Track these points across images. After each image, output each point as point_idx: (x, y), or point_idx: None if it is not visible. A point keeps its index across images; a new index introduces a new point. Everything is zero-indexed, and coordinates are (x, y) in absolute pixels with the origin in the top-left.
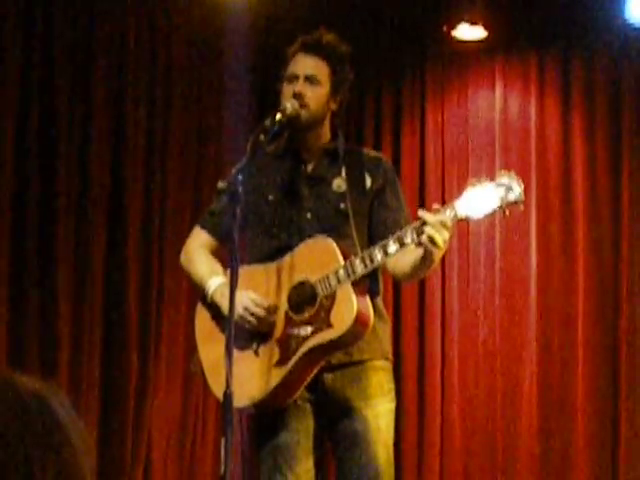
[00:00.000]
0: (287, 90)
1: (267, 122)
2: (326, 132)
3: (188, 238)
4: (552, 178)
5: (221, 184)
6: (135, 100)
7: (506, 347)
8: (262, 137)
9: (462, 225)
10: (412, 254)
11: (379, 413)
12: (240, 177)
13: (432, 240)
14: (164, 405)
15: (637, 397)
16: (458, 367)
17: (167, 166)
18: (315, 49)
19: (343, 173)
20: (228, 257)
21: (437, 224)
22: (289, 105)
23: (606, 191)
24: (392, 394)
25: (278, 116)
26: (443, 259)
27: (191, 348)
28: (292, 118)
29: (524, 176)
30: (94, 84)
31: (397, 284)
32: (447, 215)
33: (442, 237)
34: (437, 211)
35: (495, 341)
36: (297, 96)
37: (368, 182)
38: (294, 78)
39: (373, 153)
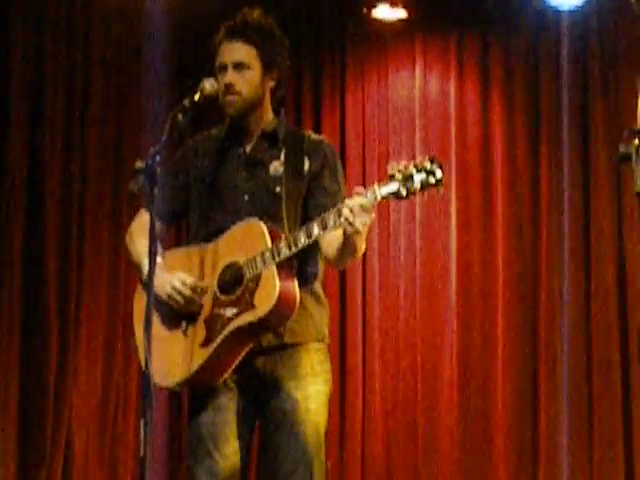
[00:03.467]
0: (220, 82)
1: (186, 102)
2: (267, 112)
3: (134, 218)
4: (471, 157)
5: (139, 164)
6: (53, 85)
7: (427, 328)
8: (180, 117)
9: (382, 208)
10: (339, 238)
11: (310, 394)
12: (158, 157)
13: (350, 223)
14: (85, 385)
15: (556, 375)
16: (379, 349)
17: (86, 149)
18: (239, 33)
19: (282, 156)
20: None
21: (356, 208)
22: (207, 85)
23: (525, 170)
24: (325, 376)
25: (196, 96)
26: None
27: (110, 328)
28: (212, 98)
29: (444, 155)
30: (11, 74)
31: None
32: (367, 199)
33: (361, 220)
34: (358, 195)
35: (416, 322)
36: (228, 87)
37: (306, 165)
38: (223, 69)
39: (315, 136)
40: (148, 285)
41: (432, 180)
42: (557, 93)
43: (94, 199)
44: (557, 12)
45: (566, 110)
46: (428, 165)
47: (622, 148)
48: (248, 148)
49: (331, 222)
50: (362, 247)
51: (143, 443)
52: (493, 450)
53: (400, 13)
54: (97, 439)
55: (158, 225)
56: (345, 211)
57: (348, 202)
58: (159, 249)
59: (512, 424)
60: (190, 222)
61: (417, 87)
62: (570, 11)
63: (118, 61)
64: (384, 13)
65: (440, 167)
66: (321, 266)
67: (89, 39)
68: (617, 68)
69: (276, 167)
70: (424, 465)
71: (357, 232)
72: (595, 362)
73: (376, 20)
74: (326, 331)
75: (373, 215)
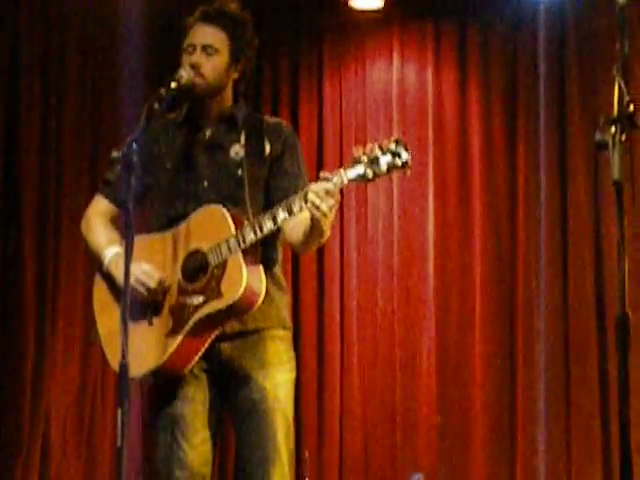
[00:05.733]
0: (185, 60)
1: (162, 90)
2: (227, 100)
3: (89, 206)
4: (449, 147)
5: (115, 154)
6: (29, 77)
7: (404, 316)
8: (157, 105)
9: (359, 197)
10: (304, 223)
11: (278, 383)
12: (135, 146)
13: (317, 207)
14: (62, 377)
15: (534, 364)
16: (357, 337)
17: (62, 140)
18: (214, 18)
19: (242, 140)
20: (124, 226)
21: (321, 192)
22: (184, 74)
23: (503, 160)
24: (292, 363)
25: (173, 84)
26: (341, 230)
27: (89, 319)
28: (188, 87)
29: (421, 145)
30: None
31: (296, 254)
32: (333, 182)
33: (327, 204)
34: (324, 179)
35: (393, 310)
36: (193, 66)
37: (267, 148)
38: (191, 48)
39: (273, 119)
40: (111, 276)
41: (398, 162)
42: (534, 83)
43: (70, 191)
44: (534, 2)
45: (543, 99)
46: (393, 147)
47: (598, 136)
48: (207, 132)
49: (297, 206)
50: (328, 231)
51: (120, 433)
52: (471, 439)
53: (377, 3)
54: (74, 430)
55: (116, 212)
56: (311, 195)
57: (313, 186)
58: (117, 237)
59: (490, 411)
60: (149, 209)
61: (394, 77)
62: (547, 1)
63: (94, 49)
64: (361, 3)
65: (406, 148)
66: (280, 251)
67: (64, 26)
68: (593, 58)
69: (237, 150)
70: (402, 453)
71: (324, 215)
72: (572, 349)
73: (353, 10)
74: (288, 317)
75: (338, 198)
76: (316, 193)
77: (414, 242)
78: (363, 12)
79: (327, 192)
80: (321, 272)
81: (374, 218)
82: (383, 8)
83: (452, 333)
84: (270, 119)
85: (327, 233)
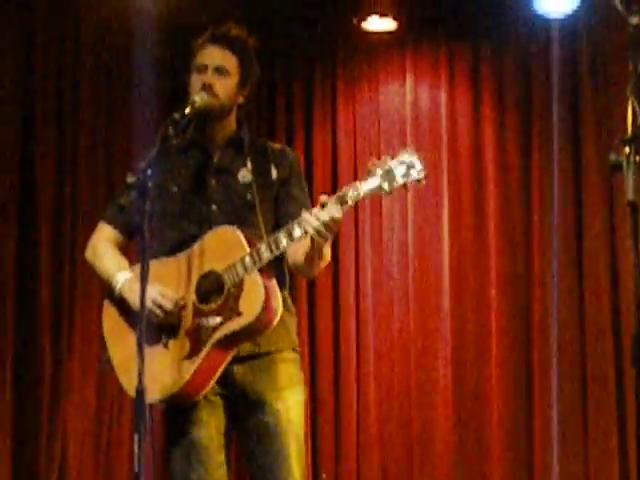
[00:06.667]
0: (196, 80)
1: (176, 115)
2: (232, 124)
3: (94, 232)
4: (463, 167)
5: (130, 178)
6: (44, 96)
7: (420, 336)
8: (171, 130)
9: (374, 212)
10: (304, 245)
11: (290, 405)
12: (149, 171)
13: (317, 232)
14: (79, 399)
15: (550, 384)
16: (373, 358)
17: (78, 162)
18: (224, 41)
19: (249, 164)
20: (138, 252)
21: (313, 220)
22: (198, 98)
23: (517, 180)
24: (302, 385)
25: (187, 109)
26: (357, 250)
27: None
28: (201, 110)
29: (436, 166)
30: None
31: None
32: (328, 208)
33: (323, 230)
34: (321, 204)
35: (410, 330)
36: (206, 87)
37: (274, 173)
38: (203, 69)
39: (278, 145)
40: (124, 301)
41: (413, 172)
42: (548, 102)
43: (86, 210)
44: (547, 21)
45: (557, 119)
46: (407, 157)
47: (613, 157)
48: (215, 157)
49: (310, 228)
50: (328, 253)
51: (137, 458)
52: (488, 458)
53: (390, 24)
54: (91, 453)
55: (121, 239)
56: (305, 222)
57: (305, 214)
58: (126, 262)
59: (507, 428)
60: (156, 234)
61: (408, 98)
62: (559, 20)
63: (109, 71)
64: (374, 25)
65: (419, 158)
66: (287, 274)
67: (79, 46)
68: (607, 75)
69: (244, 174)
70: (419, 471)
71: (321, 238)
72: (589, 364)
73: (367, 32)
74: (297, 340)
75: (339, 218)
76: (308, 221)
77: (429, 261)
78: (376, 34)
79: (319, 219)
80: (336, 294)
81: (389, 237)
82: (396, 30)
83: (468, 350)
84: (274, 144)
85: (327, 256)
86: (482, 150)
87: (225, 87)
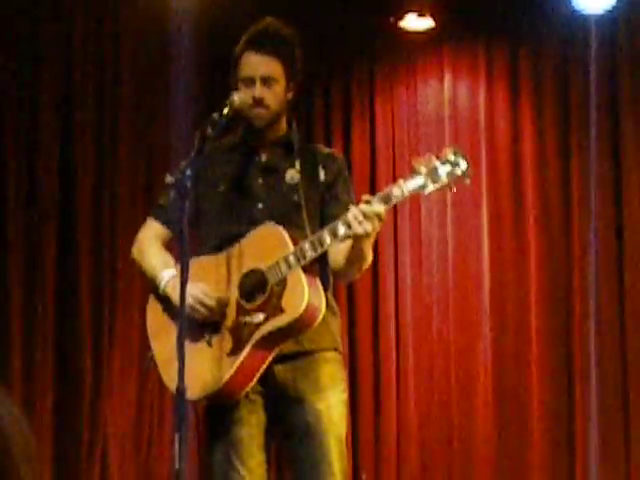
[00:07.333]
0: (246, 94)
1: (215, 115)
2: (283, 122)
3: (140, 229)
4: (502, 166)
5: (169, 178)
6: (83, 100)
7: (460, 337)
8: (210, 130)
9: (413, 215)
10: (346, 247)
11: (331, 405)
12: (188, 171)
13: (363, 229)
14: (120, 398)
15: (590, 384)
16: (413, 359)
17: (117, 164)
18: (263, 46)
19: (297, 165)
20: (179, 250)
21: (360, 215)
22: (236, 98)
23: (556, 178)
24: (343, 385)
25: (226, 110)
26: (395, 252)
27: (144, 344)
28: (240, 110)
29: (474, 165)
30: (41, 88)
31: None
32: (373, 205)
33: (363, 228)
34: (365, 201)
35: (449, 331)
36: (257, 101)
37: (321, 175)
38: (250, 81)
39: (326, 149)
40: (169, 298)
41: (457, 171)
42: (587, 101)
43: (126, 213)
44: (585, 18)
45: (596, 117)
46: (452, 157)
47: None
48: (263, 156)
49: (355, 223)
50: (369, 254)
51: (178, 457)
52: (529, 459)
53: (428, 23)
54: (133, 455)
55: (168, 235)
56: (350, 217)
57: (353, 209)
58: (171, 260)
59: (547, 432)
60: (201, 232)
61: (446, 97)
62: (598, 16)
63: (148, 74)
64: (412, 23)
65: (464, 158)
66: (330, 276)
67: (119, 51)
68: None
69: (292, 175)
70: (460, 474)
71: (365, 236)
72: (630, 365)
73: (404, 30)
74: (339, 340)
75: (383, 221)
76: (355, 216)
77: (468, 258)
78: (414, 33)
79: (365, 215)
80: (375, 294)
81: (427, 232)
82: (434, 28)
83: (508, 354)
84: (323, 148)
85: (369, 258)
86: (520, 149)
87: (275, 96)
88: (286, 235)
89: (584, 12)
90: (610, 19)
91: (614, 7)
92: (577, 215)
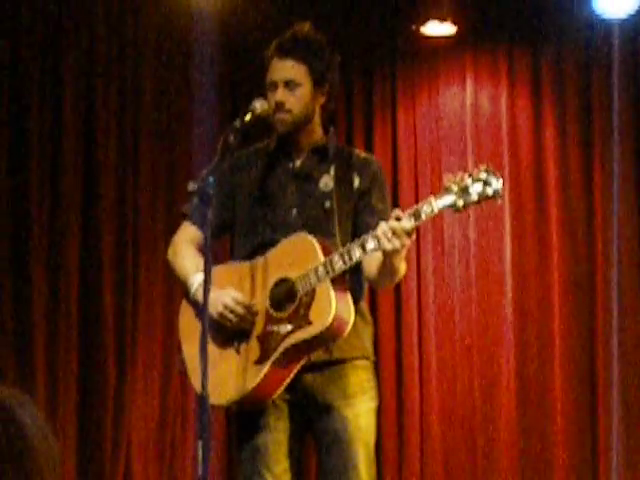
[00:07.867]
0: (269, 100)
1: (237, 123)
2: (316, 128)
3: (176, 232)
4: (524, 172)
5: (191, 186)
6: (105, 106)
7: (483, 343)
8: (232, 138)
9: (436, 222)
10: (379, 258)
11: (359, 412)
12: (211, 179)
13: (390, 245)
14: (143, 405)
15: (614, 390)
16: (436, 364)
17: (139, 169)
18: (288, 50)
19: (332, 172)
20: (204, 257)
21: (389, 232)
22: (258, 105)
23: (579, 183)
24: (373, 392)
25: (247, 117)
26: (417, 257)
27: (167, 349)
28: (263, 118)
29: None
30: (64, 96)
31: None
32: (403, 222)
33: (392, 245)
34: (396, 218)
35: (472, 337)
36: (278, 105)
37: (356, 182)
38: (273, 86)
39: (364, 154)
40: (198, 303)
41: (489, 191)
42: (609, 105)
43: (148, 223)
44: (607, 23)
45: (619, 121)
46: (484, 175)
47: None
48: (298, 162)
49: (384, 240)
50: (402, 268)
51: (201, 464)
52: (553, 466)
53: (449, 29)
54: (156, 459)
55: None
56: (379, 233)
57: (383, 225)
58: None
59: (571, 436)
60: (235, 236)
61: (468, 102)
62: (621, 21)
63: (169, 81)
64: (433, 29)
65: (496, 176)
66: (365, 285)
67: (140, 57)
68: None
69: (326, 182)
70: (483, 478)
71: (395, 252)
72: None
73: (426, 36)
74: (371, 349)
75: (412, 237)
76: (384, 233)
77: (491, 262)
78: (436, 38)
79: (394, 232)
80: (398, 300)
81: (450, 237)
82: (456, 34)
83: (531, 359)
84: (361, 153)
85: (401, 270)
86: (543, 154)
87: (298, 100)
88: (317, 245)
89: (606, 17)
90: (632, 23)
91: (636, 11)
92: (601, 221)
